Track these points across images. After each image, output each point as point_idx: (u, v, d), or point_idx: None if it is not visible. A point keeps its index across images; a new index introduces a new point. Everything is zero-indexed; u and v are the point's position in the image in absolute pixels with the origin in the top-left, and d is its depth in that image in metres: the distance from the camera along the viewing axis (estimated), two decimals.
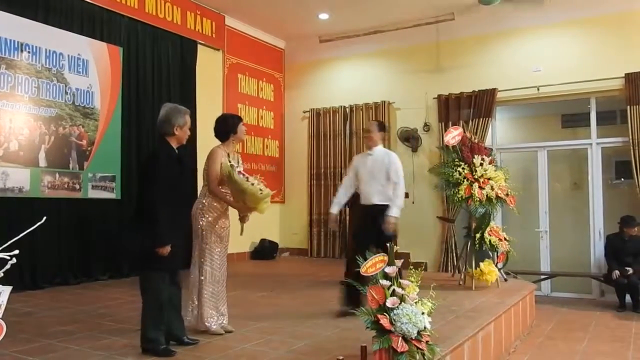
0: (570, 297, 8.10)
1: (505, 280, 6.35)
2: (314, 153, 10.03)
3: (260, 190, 3.74)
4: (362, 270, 3.00)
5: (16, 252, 1.98)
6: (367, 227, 4.63)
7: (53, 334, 3.86)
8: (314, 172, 9.98)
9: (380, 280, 2.99)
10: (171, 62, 7.68)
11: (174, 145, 3.54)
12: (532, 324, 6.00)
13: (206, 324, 3.83)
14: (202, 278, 3.84)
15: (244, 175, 3.77)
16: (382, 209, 4.58)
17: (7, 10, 5.74)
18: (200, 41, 8.11)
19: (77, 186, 6.40)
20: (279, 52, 9.87)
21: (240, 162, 4.15)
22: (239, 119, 4.22)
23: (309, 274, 7.48)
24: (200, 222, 3.86)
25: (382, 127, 4.90)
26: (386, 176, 4.66)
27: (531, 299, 6.08)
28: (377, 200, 4.66)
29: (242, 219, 4.01)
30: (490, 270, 5.76)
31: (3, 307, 2.03)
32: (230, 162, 3.84)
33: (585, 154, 8.25)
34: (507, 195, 5.97)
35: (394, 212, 4.57)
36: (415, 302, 2.98)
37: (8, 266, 1.97)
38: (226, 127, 4.10)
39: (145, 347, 3.36)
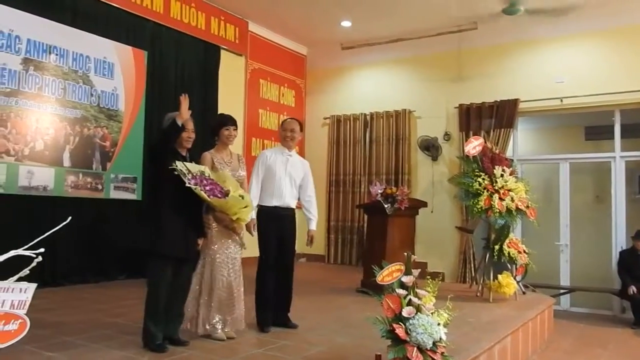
0: (589, 313, 7.96)
1: (524, 293, 6.26)
2: (333, 159, 10.04)
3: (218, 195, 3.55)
4: (379, 279, 2.99)
5: (42, 250, 2.02)
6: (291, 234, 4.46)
7: (72, 331, 3.92)
8: (333, 179, 9.99)
9: (397, 289, 2.98)
10: (194, 67, 7.76)
11: (179, 149, 3.63)
12: (550, 338, 5.91)
13: (205, 327, 3.76)
14: (202, 282, 3.79)
15: (200, 181, 3.51)
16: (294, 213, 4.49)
17: (37, 14, 5.88)
18: (223, 46, 8.19)
19: (100, 186, 6.50)
20: (301, 58, 9.92)
21: (242, 164, 4.07)
22: (223, 123, 4.01)
23: (325, 280, 7.48)
24: (208, 227, 3.83)
25: (302, 127, 4.73)
26: (300, 182, 4.51)
27: (549, 313, 5.99)
28: (293, 203, 4.47)
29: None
30: (508, 282, 5.70)
31: (28, 303, 2.08)
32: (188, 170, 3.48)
33: (609, 167, 8.13)
34: (527, 207, 5.89)
35: (314, 225, 4.55)
36: (432, 313, 2.96)
37: (34, 264, 2.02)
38: (211, 130, 4.01)
39: (143, 340, 3.48)
